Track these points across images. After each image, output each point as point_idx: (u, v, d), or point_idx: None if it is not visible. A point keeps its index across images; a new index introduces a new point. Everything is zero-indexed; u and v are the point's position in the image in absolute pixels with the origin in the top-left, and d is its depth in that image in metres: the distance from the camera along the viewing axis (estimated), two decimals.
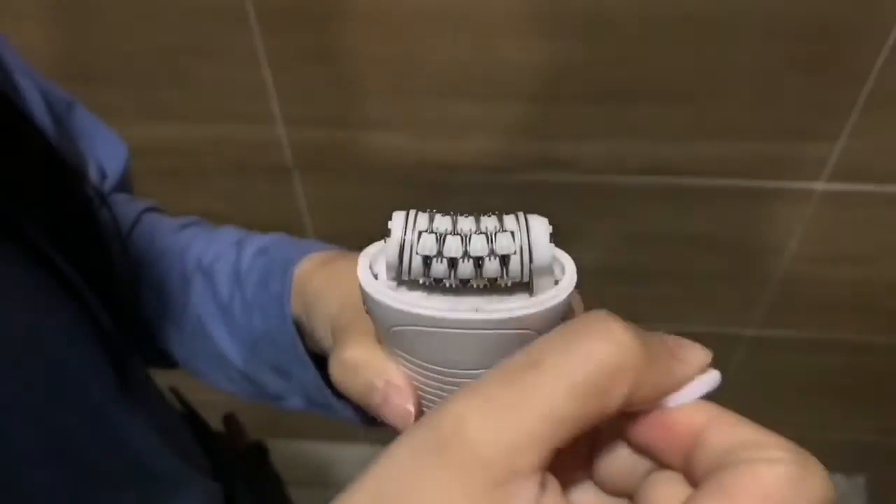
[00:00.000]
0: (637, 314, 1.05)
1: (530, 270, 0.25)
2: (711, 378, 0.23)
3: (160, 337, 0.51)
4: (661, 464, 0.23)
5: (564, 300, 0.26)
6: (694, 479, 0.22)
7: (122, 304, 0.46)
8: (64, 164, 0.42)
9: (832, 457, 1.45)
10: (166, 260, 0.50)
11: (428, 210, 0.26)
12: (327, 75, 0.85)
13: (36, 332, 0.37)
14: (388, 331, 0.27)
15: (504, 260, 0.25)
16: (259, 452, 0.63)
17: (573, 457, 0.25)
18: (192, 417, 0.59)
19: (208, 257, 0.49)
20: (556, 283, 0.27)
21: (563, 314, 0.27)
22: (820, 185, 0.89)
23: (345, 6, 0.78)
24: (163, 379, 0.55)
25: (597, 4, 0.74)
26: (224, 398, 0.60)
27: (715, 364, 0.23)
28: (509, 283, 0.26)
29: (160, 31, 0.82)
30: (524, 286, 0.27)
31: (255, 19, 0.80)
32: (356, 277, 0.27)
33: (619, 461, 0.24)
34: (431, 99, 0.85)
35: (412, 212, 0.26)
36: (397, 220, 0.26)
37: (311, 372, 0.43)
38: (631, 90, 0.82)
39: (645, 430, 0.23)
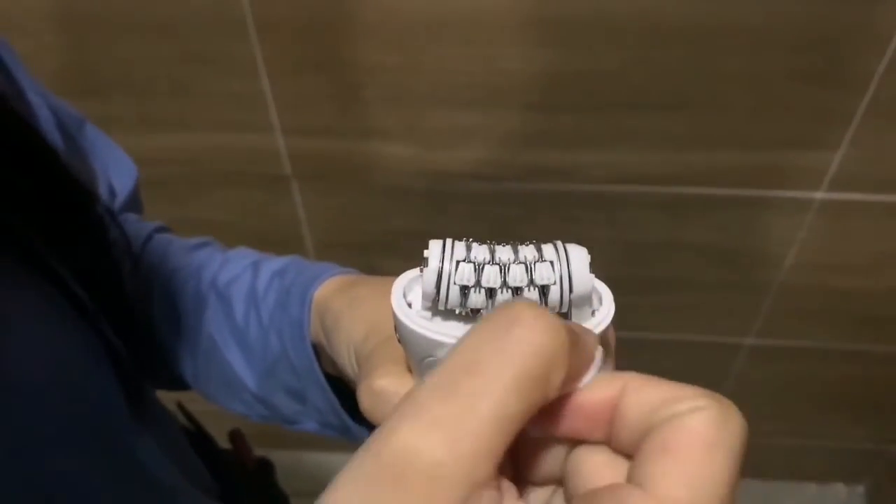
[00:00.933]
0: (636, 324, 1.05)
1: (570, 301, 0.25)
2: (600, 354, 0.23)
3: (172, 358, 0.51)
4: (580, 442, 0.23)
5: (602, 332, 0.26)
6: (620, 448, 0.22)
7: (133, 324, 0.46)
8: (76, 183, 0.41)
9: (832, 465, 1.45)
10: (179, 279, 0.49)
11: (465, 239, 0.26)
12: (326, 84, 0.84)
13: (55, 354, 0.37)
14: (422, 361, 0.27)
15: (543, 290, 0.25)
16: (265, 470, 0.63)
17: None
18: (198, 434, 0.58)
19: (223, 278, 0.48)
20: (594, 312, 0.27)
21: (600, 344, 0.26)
22: (819, 195, 0.89)
23: (343, 16, 0.78)
24: (169, 395, 0.54)
25: (596, 14, 0.74)
26: (228, 412, 0.59)
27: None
28: None
29: (159, 41, 0.82)
30: (562, 316, 0.26)
31: (254, 29, 0.80)
32: (387, 304, 0.27)
33: (537, 450, 0.24)
34: (430, 108, 0.85)
35: (449, 240, 0.26)
36: (434, 249, 0.25)
37: (328, 396, 0.42)
38: (630, 100, 0.82)
39: (563, 417, 0.23)
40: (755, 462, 1.41)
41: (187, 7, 0.79)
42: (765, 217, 0.92)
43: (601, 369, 0.23)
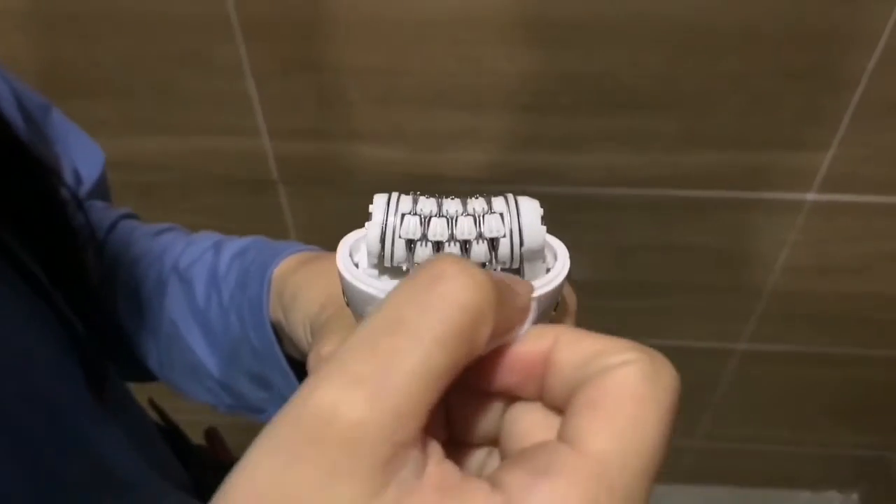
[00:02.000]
0: (627, 328, 1.04)
1: (521, 255, 0.24)
2: (534, 306, 0.23)
3: (137, 346, 0.50)
4: (514, 399, 0.23)
5: (556, 288, 0.25)
6: (553, 403, 0.22)
7: (97, 311, 0.45)
8: (38, 163, 0.40)
9: (826, 472, 1.44)
10: (142, 264, 0.48)
11: (411, 192, 0.25)
12: (313, 87, 0.84)
13: (3, 337, 0.36)
14: None
15: (493, 243, 0.24)
16: None
17: (434, 421, 0.24)
18: (171, 430, 0.57)
19: (185, 260, 0.47)
20: (548, 270, 0.26)
21: (554, 304, 0.25)
22: (810, 196, 0.88)
23: (330, 17, 0.77)
24: (142, 393, 0.53)
25: (584, 14, 0.74)
26: (206, 417, 0.58)
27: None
28: (498, 269, 0.25)
29: (143, 43, 0.81)
30: (514, 273, 0.25)
31: (240, 30, 0.79)
32: (336, 270, 0.26)
33: (471, 409, 0.24)
34: (418, 110, 0.85)
35: (395, 194, 0.25)
36: (379, 203, 0.24)
37: (290, 379, 0.41)
38: (619, 101, 0.81)
39: (497, 370, 0.22)
40: (748, 469, 1.39)
41: (172, 8, 0.78)
42: (756, 219, 0.92)
43: (540, 321, 0.22)
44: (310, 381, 0.19)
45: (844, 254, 0.95)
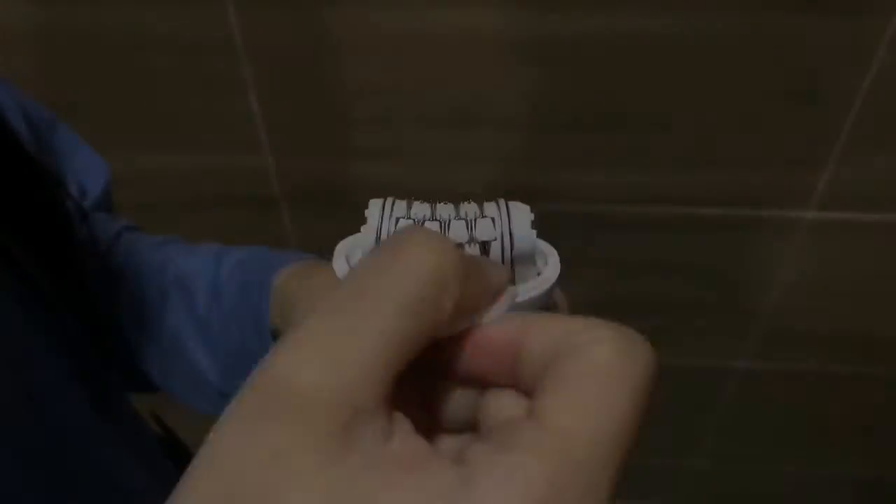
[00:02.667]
0: None
1: (512, 258, 0.25)
2: (511, 292, 0.23)
3: (138, 356, 0.50)
4: (489, 386, 0.23)
5: (546, 291, 0.25)
6: (526, 389, 0.21)
7: (99, 321, 0.45)
8: (44, 174, 0.41)
9: (829, 495, 1.42)
10: (144, 275, 0.49)
11: (406, 197, 0.26)
12: (316, 105, 0.84)
13: (7, 345, 0.36)
14: None
15: (484, 247, 0.25)
16: None
17: (410, 409, 0.24)
18: (172, 442, 0.57)
19: (186, 271, 0.48)
20: (539, 274, 0.26)
21: (545, 307, 0.26)
22: (809, 214, 0.88)
23: (333, 36, 0.78)
24: (145, 406, 0.53)
25: (584, 33, 0.75)
26: (204, 426, 0.58)
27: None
28: None
29: (146, 60, 0.82)
30: None
31: (243, 49, 0.80)
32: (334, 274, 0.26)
33: (447, 397, 0.23)
34: (420, 129, 0.85)
35: (389, 199, 0.25)
36: (374, 208, 0.25)
37: None
38: (618, 119, 0.82)
39: (466, 354, 0.22)
40: (751, 493, 1.38)
41: (176, 27, 0.79)
42: (755, 237, 0.92)
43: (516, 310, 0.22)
44: (272, 348, 0.18)
45: (844, 271, 0.95)
